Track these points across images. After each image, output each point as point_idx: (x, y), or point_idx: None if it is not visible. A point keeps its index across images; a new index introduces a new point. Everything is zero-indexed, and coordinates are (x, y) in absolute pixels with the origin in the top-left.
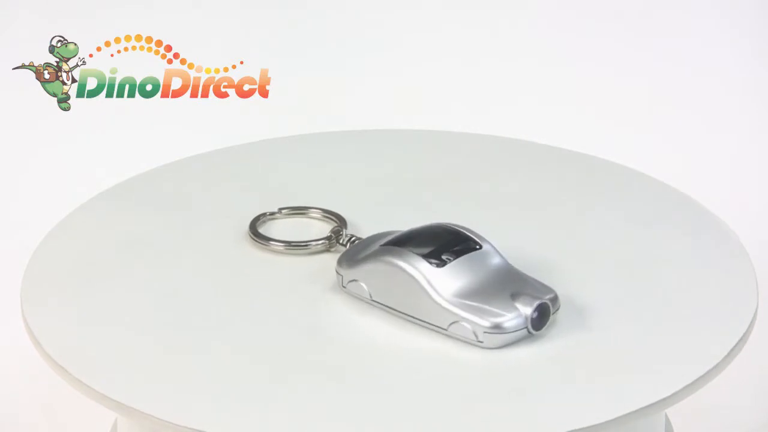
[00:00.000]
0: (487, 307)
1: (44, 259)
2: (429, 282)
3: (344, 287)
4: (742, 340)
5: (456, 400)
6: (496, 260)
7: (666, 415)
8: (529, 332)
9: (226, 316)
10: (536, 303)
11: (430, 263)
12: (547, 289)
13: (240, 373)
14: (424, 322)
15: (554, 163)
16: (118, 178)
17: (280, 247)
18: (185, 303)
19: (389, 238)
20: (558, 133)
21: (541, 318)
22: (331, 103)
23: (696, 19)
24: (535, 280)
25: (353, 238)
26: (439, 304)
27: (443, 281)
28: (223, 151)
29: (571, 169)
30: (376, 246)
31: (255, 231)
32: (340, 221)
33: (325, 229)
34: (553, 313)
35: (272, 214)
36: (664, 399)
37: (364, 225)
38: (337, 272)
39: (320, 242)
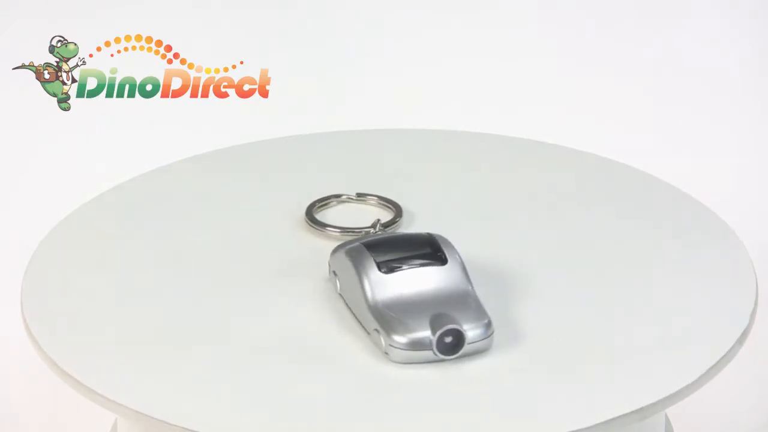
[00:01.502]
0: (403, 322)
1: (44, 259)
2: (371, 286)
3: (329, 277)
4: (741, 339)
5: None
6: (452, 278)
7: (666, 416)
8: (435, 355)
9: (223, 309)
10: (445, 328)
11: (381, 269)
12: (480, 316)
13: (236, 373)
14: (360, 324)
15: (556, 162)
16: (118, 178)
17: (336, 232)
18: (185, 301)
19: (373, 238)
20: (558, 132)
21: (457, 344)
22: (331, 103)
23: (696, 20)
24: (478, 305)
25: (379, 231)
26: (369, 309)
27: (382, 288)
28: (228, 150)
29: (572, 168)
30: (357, 243)
31: (311, 216)
32: (396, 210)
33: (381, 216)
34: (478, 341)
35: (338, 196)
36: (664, 399)
37: (419, 216)
38: (328, 262)
39: (365, 229)
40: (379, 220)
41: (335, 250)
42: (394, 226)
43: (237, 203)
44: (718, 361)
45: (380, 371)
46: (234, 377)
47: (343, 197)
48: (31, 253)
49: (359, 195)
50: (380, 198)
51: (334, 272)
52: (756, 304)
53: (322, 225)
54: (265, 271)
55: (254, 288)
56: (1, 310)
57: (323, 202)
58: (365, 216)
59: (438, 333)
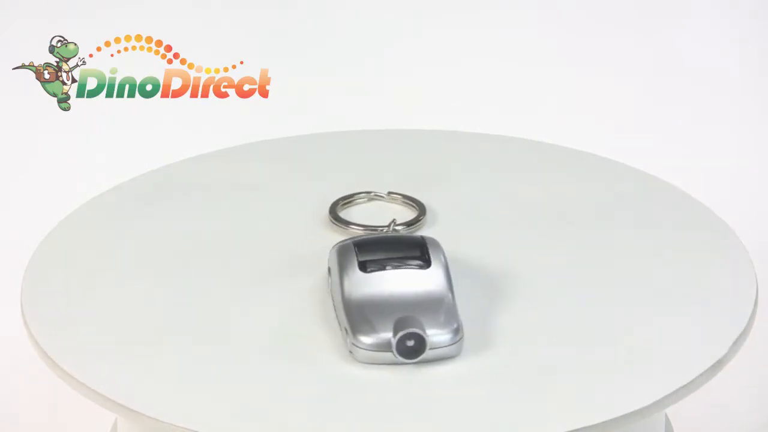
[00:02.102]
0: (369, 322)
1: (44, 259)
2: (349, 284)
3: (327, 273)
4: (741, 339)
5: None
6: (431, 282)
7: (666, 416)
8: (395, 357)
9: (223, 309)
10: (405, 331)
11: (364, 269)
12: (449, 321)
13: (235, 373)
14: (337, 321)
15: (556, 162)
16: (118, 178)
17: (358, 229)
18: (186, 301)
19: (366, 237)
20: (558, 132)
21: (418, 348)
22: (331, 103)
23: (696, 20)
24: (450, 310)
25: (393, 230)
26: (342, 306)
27: (359, 287)
28: (229, 150)
29: (572, 168)
30: (348, 242)
31: (335, 214)
32: (420, 208)
33: (404, 214)
34: (444, 347)
35: (368, 192)
36: (664, 399)
37: (442, 214)
38: (327, 259)
39: (384, 227)
40: (395, 219)
41: (332, 248)
42: (416, 225)
43: (238, 203)
44: (718, 361)
45: (343, 370)
46: (233, 377)
47: (372, 194)
48: (31, 253)
49: (390, 193)
50: (404, 197)
51: (329, 269)
52: (756, 304)
53: (345, 222)
54: (270, 268)
55: (257, 285)
56: (1, 310)
57: (347, 200)
58: (390, 214)
59: (398, 336)
